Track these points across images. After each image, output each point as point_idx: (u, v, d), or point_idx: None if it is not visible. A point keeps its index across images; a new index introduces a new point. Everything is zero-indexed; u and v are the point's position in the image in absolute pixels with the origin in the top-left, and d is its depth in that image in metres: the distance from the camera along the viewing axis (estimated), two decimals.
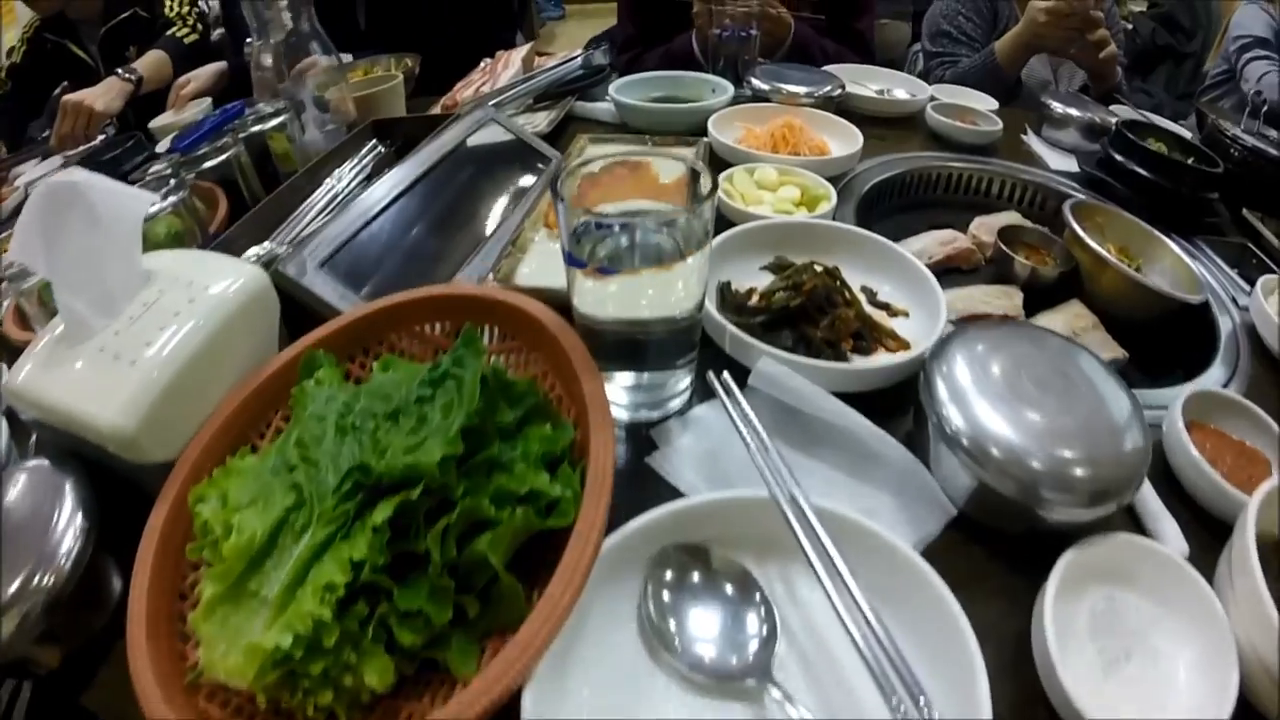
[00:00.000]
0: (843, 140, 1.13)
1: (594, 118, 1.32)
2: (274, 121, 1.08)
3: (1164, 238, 1.02)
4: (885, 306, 0.78)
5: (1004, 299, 0.92)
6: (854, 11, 1.72)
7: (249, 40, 1.13)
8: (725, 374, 0.59)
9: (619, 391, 0.65)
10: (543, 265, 0.82)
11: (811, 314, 0.71)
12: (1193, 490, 0.64)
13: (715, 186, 0.55)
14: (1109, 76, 1.65)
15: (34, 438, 0.64)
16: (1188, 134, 1.46)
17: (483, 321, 0.62)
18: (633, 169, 1.00)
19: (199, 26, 2.11)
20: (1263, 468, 0.68)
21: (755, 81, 1.26)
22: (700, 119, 1.15)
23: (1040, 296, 0.95)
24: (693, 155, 1.05)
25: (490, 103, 1.24)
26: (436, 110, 1.39)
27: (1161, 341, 0.93)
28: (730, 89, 1.27)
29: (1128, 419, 0.57)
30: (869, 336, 0.72)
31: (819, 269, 0.75)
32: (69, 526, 0.53)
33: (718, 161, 1.07)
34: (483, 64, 1.50)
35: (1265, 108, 1.51)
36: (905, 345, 0.72)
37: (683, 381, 0.67)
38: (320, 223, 0.87)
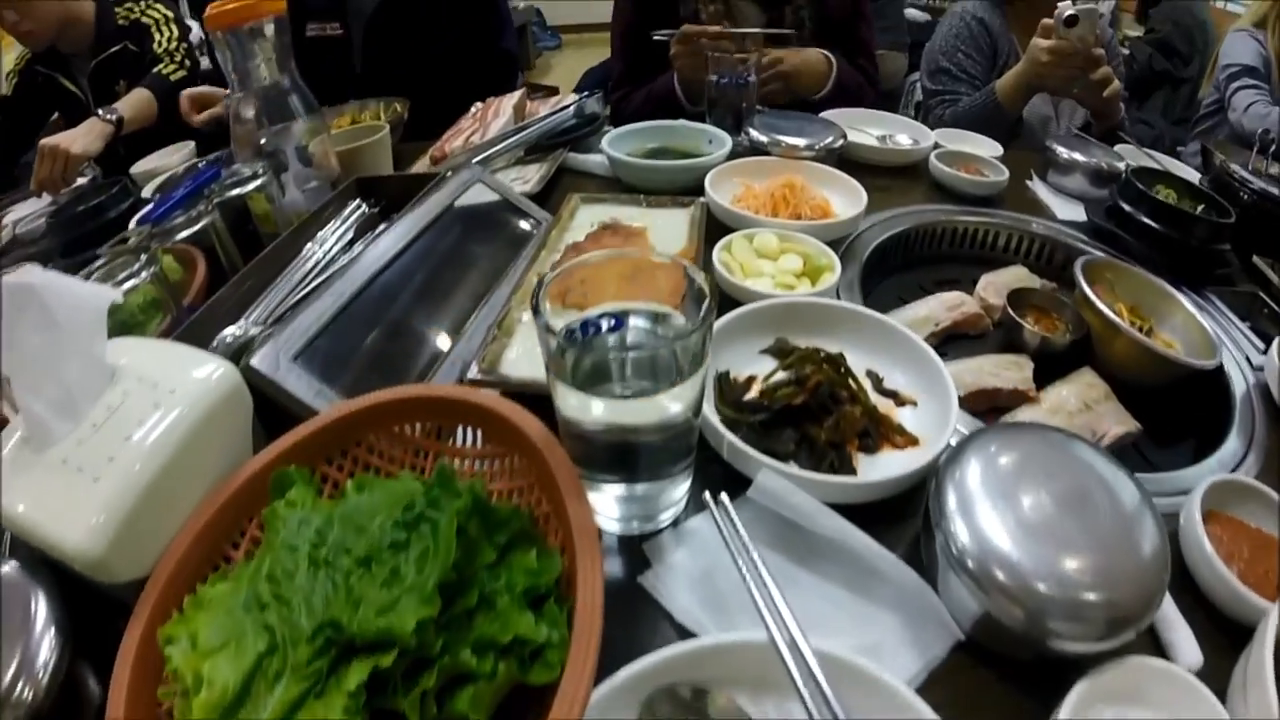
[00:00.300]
0: (845, 196, 1.10)
1: (588, 170, 1.28)
2: (251, 185, 1.04)
3: (1175, 293, 1.00)
4: (893, 395, 0.74)
5: (1014, 370, 0.88)
6: (856, 48, 1.69)
7: (228, 94, 1.10)
8: (723, 495, 0.55)
9: (609, 502, 0.61)
10: (530, 350, 0.78)
11: (815, 412, 0.67)
12: (1209, 592, 0.61)
13: (713, 309, 0.51)
14: (1113, 115, 1.62)
15: (7, 533, 0.61)
16: (1195, 175, 1.44)
17: (465, 424, 0.59)
18: (626, 238, 0.98)
19: (186, 63, 2.09)
20: None
21: (754, 133, 1.22)
22: (697, 176, 1.11)
23: (1051, 364, 0.91)
24: (688, 221, 1.02)
25: (479, 157, 1.21)
26: (425, 160, 1.36)
27: (1176, 406, 0.90)
28: (728, 142, 1.24)
29: (1149, 537, 0.53)
30: (875, 433, 0.68)
31: (823, 358, 0.72)
32: (44, 636, 0.51)
33: (715, 223, 1.04)
34: (474, 109, 1.47)
35: (1274, 146, 1.49)
36: (914, 440, 0.68)
37: (678, 490, 0.63)
38: (300, 295, 0.83)
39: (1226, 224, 1.10)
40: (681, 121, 1.34)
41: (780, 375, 0.73)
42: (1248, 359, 0.96)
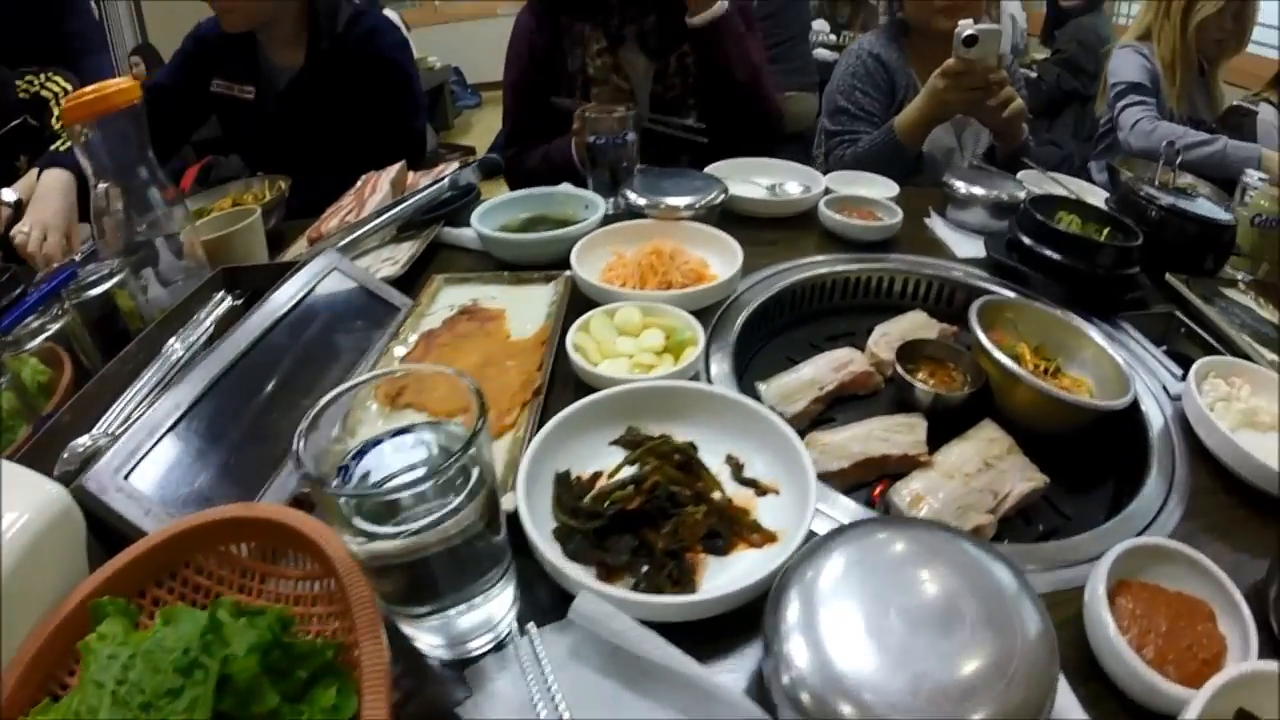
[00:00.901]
0: (726, 256, 1.03)
1: (462, 245, 1.21)
2: (108, 284, 0.96)
3: (1084, 326, 0.94)
4: (753, 484, 0.66)
5: (905, 433, 0.81)
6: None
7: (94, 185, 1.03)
8: (530, 626, 0.48)
9: (424, 629, 0.54)
10: None
11: (653, 516, 0.59)
12: (1117, 681, 0.55)
13: (476, 433, 0.44)
14: (1016, 135, 1.60)
15: None
16: (1102, 195, 1.41)
17: (281, 546, 0.56)
18: (483, 322, 0.91)
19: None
20: (1205, 620, 0.59)
21: (630, 195, 1.15)
22: (566, 247, 1.04)
23: (949, 419, 0.85)
24: (550, 299, 0.95)
25: (348, 239, 1.15)
26: (303, 241, 1.28)
27: (1089, 450, 0.85)
28: (601, 207, 1.16)
29: (1029, 640, 0.46)
30: (727, 533, 0.60)
31: (671, 450, 0.64)
32: None
33: (580, 299, 0.97)
34: (358, 183, 1.40)
35: (1179, 158, 1.46)
36: (772, 537, 0.60)
37: (496, 610, 0.55)
38: (152, 398, 0.77)
39: (1133, 247, 1.06)
40: (561, 187, 1.28)
41: (624, 472, 0.64)
42: (1164, 388, 0.91)
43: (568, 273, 0.99)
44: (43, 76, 2.03)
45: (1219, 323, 1.03)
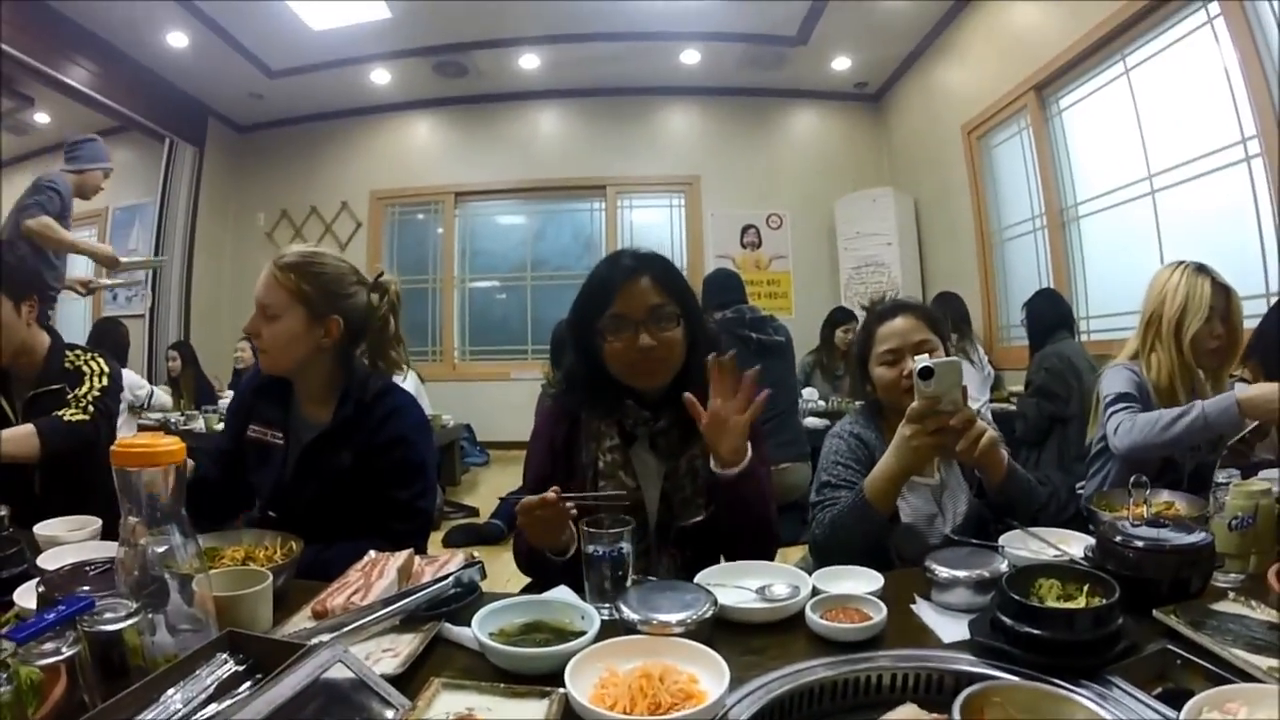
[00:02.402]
0: (714, 672, 1.06)
1: (462, 643, 1.25)
2: (124, 624, 1.02)
3: (1073, 695, 0.96)
4: None
5: None
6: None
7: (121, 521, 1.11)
8: None
9: None
10: None
11: None
12: None
13: None
14: (996, 466, 1.65)
15: None
16: (1081, 545, 1.46)
17: None
18: None
19: (90, 409, 2.19)
20: None
21: (625, 610, 1.21)
22: (559, 662, 1.08)
23: None
24: (543, 713, 0.99)
25: (352, 625, 1.21)
26: (307, 611, 1.33)
27: None
28: (596, 622, 1.22)
29: None
30: None
31: None
32: None
33: (573, 716, 1.00)
34: (365, 559, 1.48)
35: (1149, 488, 1.56)
36: None
37: None
38: None
39: (1113, 604, 1.11)
40: (558, 594, 1.35)
41: None
42: None
43: (562, 690, 1.03)
44: (89, 355, 2.35)
45: (1212, 648, 1.06)
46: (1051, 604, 1.16)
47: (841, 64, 7.53)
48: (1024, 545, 1.52)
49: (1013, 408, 4.46)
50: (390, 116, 8.27)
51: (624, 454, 1.70)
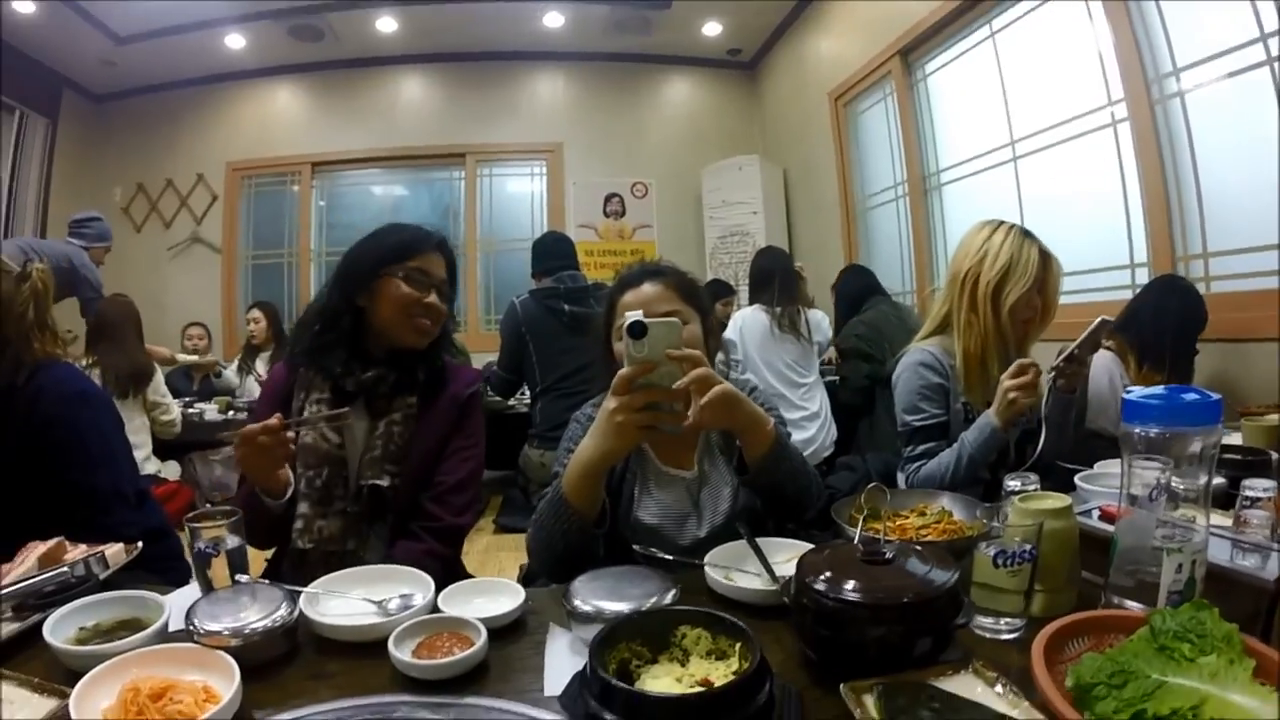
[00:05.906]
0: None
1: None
2: None
3: None
4: None
5: None
6: None
7: None
8: None
9: None
10: None
11: None
12: None
13: None
14: (755, 432, 1.45)
15: None
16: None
17: None
18: None
19: None
20: None
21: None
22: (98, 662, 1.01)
23: None
24: None
25: None
26: None
27: None
28: (164, 613, 1.16)
29: None
30: None
31: None
32: None
33: None
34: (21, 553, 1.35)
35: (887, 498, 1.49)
36: None
37: None
38: None
39: (745, 681, 0.85)
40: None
41: None
42: None
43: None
44: None
45: None
46: (651, 682, 0.92)
47: (712, 29, 7.42)
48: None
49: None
50: (247, 84, 7.84)
51: (332, 407, 1.67)
